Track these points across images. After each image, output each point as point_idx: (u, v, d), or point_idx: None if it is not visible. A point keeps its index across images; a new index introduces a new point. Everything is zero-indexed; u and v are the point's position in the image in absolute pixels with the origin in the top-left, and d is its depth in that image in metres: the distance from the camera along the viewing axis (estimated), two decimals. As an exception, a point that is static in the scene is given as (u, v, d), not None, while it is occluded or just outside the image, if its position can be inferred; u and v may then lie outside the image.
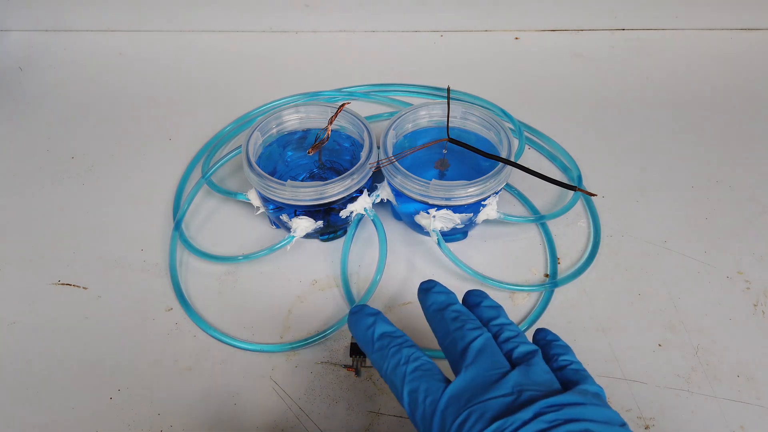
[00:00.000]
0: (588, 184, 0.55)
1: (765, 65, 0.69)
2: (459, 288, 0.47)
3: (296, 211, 0.46)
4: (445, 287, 0.36)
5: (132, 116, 0.64)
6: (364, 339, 0.34)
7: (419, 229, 0.49)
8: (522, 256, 0.50)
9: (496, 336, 0.33)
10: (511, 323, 0.34)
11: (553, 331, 0.44)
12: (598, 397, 0.30)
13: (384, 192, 0.48)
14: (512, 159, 0.45)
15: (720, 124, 0.61)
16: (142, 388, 0.42)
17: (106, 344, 0.44)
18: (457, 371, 0.31)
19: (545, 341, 0.34)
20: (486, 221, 0.49)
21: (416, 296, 0.46)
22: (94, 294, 0.47)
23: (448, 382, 0.30)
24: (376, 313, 0.34)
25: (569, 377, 0.31)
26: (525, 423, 0.26)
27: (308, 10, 0.71)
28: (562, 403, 0.27)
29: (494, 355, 0.31)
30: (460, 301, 0.36)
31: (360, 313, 0.35)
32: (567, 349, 0.33)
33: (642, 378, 0.42)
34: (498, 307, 0.35)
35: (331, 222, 0.48)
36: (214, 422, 0.40)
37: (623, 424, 0.28)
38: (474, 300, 0.36)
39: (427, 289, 0.36)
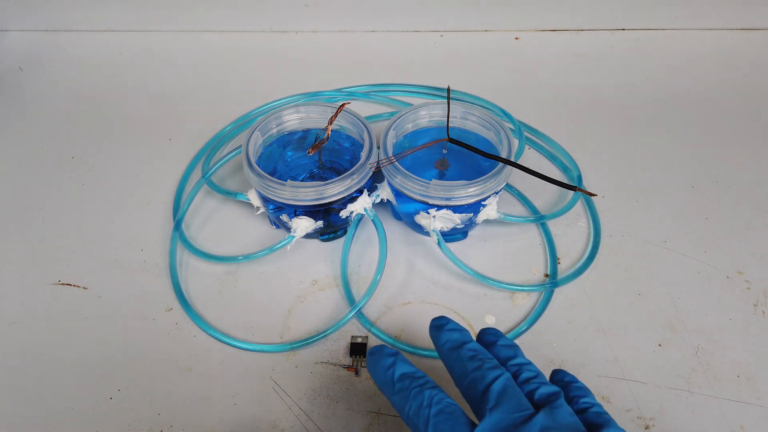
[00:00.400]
0: (588, 184, 0.55)
1: (765, 65, 0.69)
2: (459, 288, 0.48)
3: (296, 211, 0.46)
4: (457, 324, 0.35)
5: (132, 116, 0.64)
6: (383, 380, 0.33)
7: (419, 229, 0.49)
8: (522, 256, 0.50)
9: (515, 376, 0.32)
10: (530, 363, 0.33)
11: (554, 331, 0.44)
12: None
13: (384, 192, 0.48)
14: (512, 159, 0.45)
15: (720, 124, 0.61)
16: (142, 388, 0.42)
17: (106, 344, 0.44)
18: (479, 413, 0.30)
19: (563, 383, 0.33)
20: (486, 221, 0.49)
21: (416, 296, 0.47)
22: (94, 294, 0.48)
23: (472, 425, 0.30)
24: (395, 354, 0.34)
25: (592, 420, 0.31)
26: None
27: (308, 10, 0.71)
28: None
29: (517, 396, 0.30)
30: (474, 339, 0.35)
31: (379, 354, 0.34)
32: (586, 390, 0.33)
33: (642, 378, 0.42)
34: (515, 346, 0.34)
35: (331, 222, 0.48)
36: (214, 422, 0.40)
37: None
38: (489, 339, 0.35)
39: (440, 326, 0.35)
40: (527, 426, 0.28)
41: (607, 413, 0.31)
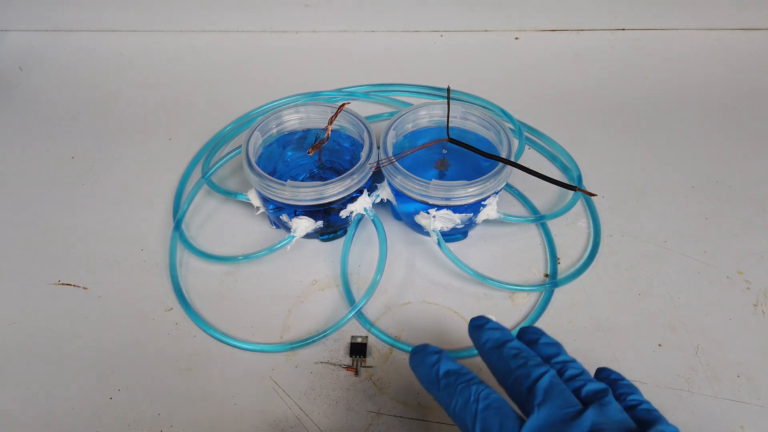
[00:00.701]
0: (588, 184, 0.55)
1: (765, 65, 0.69)
2: (459, 288, 0.48)
3: (296, 211, 0.46)
4: (498, 323, 0.35)
5: (132, 116, 0.64)
6: (428, 377, 0.33)
7: (419, 229, 0.49)
8: (522, 256, 0.50)
9: (560, 373, 0.32)
10: (574, 360, 0.33)
11: (554, 331, 0.44)
12: None
13: (384, 192, 0.48)
14: (512, 159, 0.45)
15: (720, 124, 0.61)
16: (142, 388, 0.42)
17: (106, 344, 0.44)
18: (526, 409, 0.30)
19: (609, 380, 0.33)
20: (486, 221, 0.49)
21: (416, 296, 0.47)
22: (94, 294, 0.48)
23: (521, 420, 0.29)
24: (439, 351, 0.33)
25: (642, 417, 0.30)
26: None
27: (308, 10, 0.71)
28: None
29: (564, 393, 0.30)
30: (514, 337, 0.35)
31: (423, 353, 0.34)
32: (634, 388, 0.33)
33: (642, 378, 0.42)
34: (557, 344, 0.34)
35: (331, 222, 0.48)
36: (214, 422, 0.40)
37: None
38: (531, 336, 0.35)
39: (480, 325, 0.34)
40: (577, 422, 0.28)
41: (656, 410, 0.31)
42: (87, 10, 0.72)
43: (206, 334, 0.45)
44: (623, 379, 0.33)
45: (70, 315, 0.46)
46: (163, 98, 0.66)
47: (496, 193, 0.46)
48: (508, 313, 0.46)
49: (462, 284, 0.48)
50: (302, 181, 0.51)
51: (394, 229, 0.51)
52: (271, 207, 0.47)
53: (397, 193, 0.47)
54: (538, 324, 0.45)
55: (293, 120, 0.51)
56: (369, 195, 0.48)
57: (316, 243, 0.51)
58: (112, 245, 0.51)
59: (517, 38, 0.73)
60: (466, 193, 0.43)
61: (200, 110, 0.64)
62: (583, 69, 0.69)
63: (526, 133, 0.60)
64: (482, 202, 0.46)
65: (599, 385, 0.31)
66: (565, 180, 0.56)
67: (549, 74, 0.68)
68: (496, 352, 0.33)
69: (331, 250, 0.50)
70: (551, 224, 0.52)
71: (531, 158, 0.58)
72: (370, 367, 0.43)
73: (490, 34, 0.73)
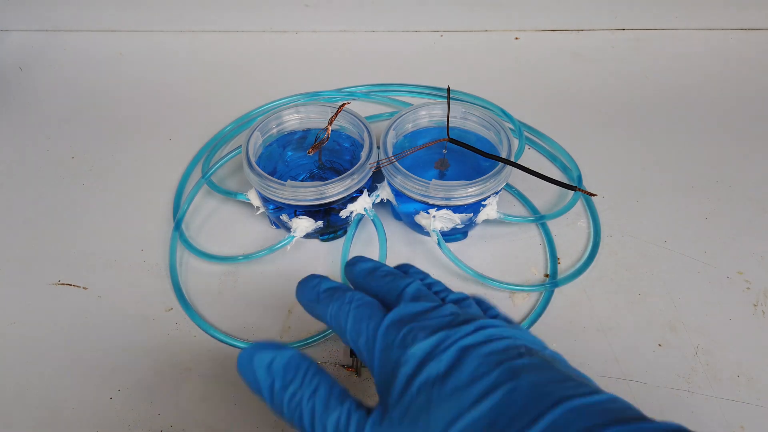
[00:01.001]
0: (588, 184, 0.55)
1: (765, 65, 0.69)
2: (459, 288, 0.47)
3: (296, 211, 0.46)
4: (370, 258, 0.37)
5: (132, 116, 0.64)
6: (309, 298, 0.34)
7: (419, 229, 0.49)
8: (522, 256, 0.50)
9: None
10: (441, 282, 0.35)
11: (554, 331, 0.45)
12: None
13: (384, 192, 0.48)
14: (512, 159, 0.45)
15: (720, 124, 0.61)
16: (142, 388, 0.42)
17: (106, 344, 0.44)
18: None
19: (477, 299, 0.35)
20: (486, 221, 0.49)
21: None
22: (94, 294, 0.48)
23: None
24: (321, 276, 0.35)
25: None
26: (467, 334, 0.28)
27: (308, 10, 0.71)
28: (499, 326, 0.29)
29: (429, 296, 0.32)
30: None
31: (304, 279, 0.35)
32: (497, 309, 0.35)
33: (642, 378, 0.42)
34: (425, 273, 0.36)
35: (331, 222, 0.48)
36: (214, 422, 0.40)
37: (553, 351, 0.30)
38: (403, 267, 0.37)
39: (354, 262, 0.36)
40: (439, 309, 0.30)
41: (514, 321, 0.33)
42: (87, 10, 0.72)
43: (206, 334, 0.45)
44: (494, 308, 0.35)
45: (70, 315, 0.46)
46: (163, 98, 0.66)
47: (496, 193, 0.46)
48: (509, 312, 0.46)
49: (462, 284, 0.48)
50: (302, 181, 0.51)
51: (394, 229, 0.51)
52: (271, 207, 0.47)
53: (397, 193, 0.47)
54: (538, 324, 0.45)
55: (293, 120, 0.51)
56: (369, 195, 0.48)
57: (316, 243, 0.51)
58: (112, 245, 0.51)
59: (517, 38, 0.73)
60: (466, 193, 0.43)
61: (200, 110, 0.64)
62: (583, 69, 0.69)
63: (526, 133, 0.60)
64: (482, 202, 0.46)
65: (462, 294, 0.33)
66: (565, 180, 0.56)
67: (549, 74, 0.68)
68: (368, 277, 0.34)
69: (331, 250, 0.50)
70: (551, 224, 0.52)
71: (531, 158, 0.58)
72: (370, 367, 0.43)
73: (490, 34, 0.73)
